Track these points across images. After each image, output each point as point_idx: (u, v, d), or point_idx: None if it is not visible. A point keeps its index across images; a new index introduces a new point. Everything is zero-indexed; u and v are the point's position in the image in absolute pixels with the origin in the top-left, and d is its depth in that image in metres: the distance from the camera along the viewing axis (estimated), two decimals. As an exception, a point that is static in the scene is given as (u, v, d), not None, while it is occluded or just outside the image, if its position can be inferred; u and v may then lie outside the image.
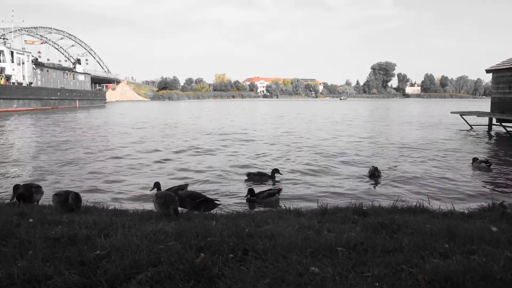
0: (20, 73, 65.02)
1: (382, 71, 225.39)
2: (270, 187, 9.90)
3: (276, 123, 36.24)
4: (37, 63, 72.77)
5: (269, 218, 5.53)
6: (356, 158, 15.06)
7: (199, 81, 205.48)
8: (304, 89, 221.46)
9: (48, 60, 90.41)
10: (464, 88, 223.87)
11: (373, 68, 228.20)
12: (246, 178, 11.36)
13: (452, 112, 29.92)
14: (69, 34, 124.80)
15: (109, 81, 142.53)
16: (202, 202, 6.59)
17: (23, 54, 67.24)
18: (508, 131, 22.47)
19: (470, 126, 26.98)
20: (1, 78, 58.04)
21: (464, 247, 3.50)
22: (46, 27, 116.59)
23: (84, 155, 16.06)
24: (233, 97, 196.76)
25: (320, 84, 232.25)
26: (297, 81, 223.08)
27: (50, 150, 17.81)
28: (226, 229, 3.75)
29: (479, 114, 26.89)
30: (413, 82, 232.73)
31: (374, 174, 11.32)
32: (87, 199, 8.20)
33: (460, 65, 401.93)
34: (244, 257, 3.05)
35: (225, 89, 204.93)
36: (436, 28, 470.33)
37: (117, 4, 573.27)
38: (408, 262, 3.01)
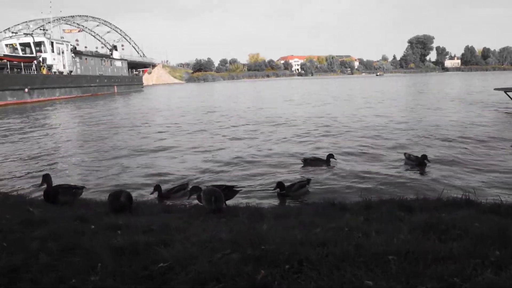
0: (61, 62, 66.90)
1: (420, 45, 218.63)
2: (300, 178, 9.82)
3: (316, 104, 36.05)
4: (75, 52, 74.64)
5: (315, 215, 5.65)
6: (396, 141, 14.89)
7: (233, 61, 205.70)
8: (339, 66, 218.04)
9: (85, 47, 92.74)
10: (508, 59, 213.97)
11: (410, 41, 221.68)
12: (302, 164, 11.49)
13: (495, 89, 28.57)
14: (104, 21, 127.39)
15: (144, 65, 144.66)
16: (223, 191, 6.71)
17: (62, 44, 69.05)
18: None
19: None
20: (43, 68, 59.91)
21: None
22: (83, 15, 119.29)
23: (128, 143, 16.50)
24: (268, 76, 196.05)
25: (355, 60, 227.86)
26: (332, 58, 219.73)
27: (98, 140, 18.41)
28: (278, 236, 3.88)
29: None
30: (453, 55, 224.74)
31: (423, 162, 10.78)
32: (136, 194, 8.55)
33: (504, 35, 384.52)
34: (300, 268, 3.18)
35: (259, 68, 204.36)
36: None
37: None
38: (461, 274, 3.05)
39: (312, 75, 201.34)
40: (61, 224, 4.70)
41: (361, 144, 14.78)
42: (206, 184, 9.07)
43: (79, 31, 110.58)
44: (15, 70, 53.20)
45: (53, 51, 65.23)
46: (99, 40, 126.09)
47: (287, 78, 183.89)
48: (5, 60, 52.68)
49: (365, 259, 3.36)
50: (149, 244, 3.80)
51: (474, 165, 11.11)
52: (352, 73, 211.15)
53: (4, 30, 70.78)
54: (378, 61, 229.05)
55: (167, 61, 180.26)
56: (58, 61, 66.23)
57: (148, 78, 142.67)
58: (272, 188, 8.84)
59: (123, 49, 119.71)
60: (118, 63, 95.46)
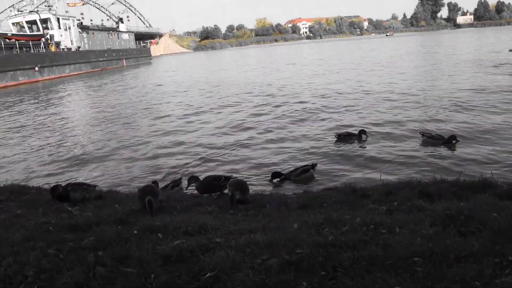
0: (68, 38, 66.81)
1: (431, 1, 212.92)
2: (305, 162, 9.90)
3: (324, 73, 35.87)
4: (82, 27, 74.31)
5: (338, 204, 5.95)
6: (411, 116, 14.97)
7: (240, 27, 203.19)
8: (348, 27, 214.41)
9: (91, 21, 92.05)
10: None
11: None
12: (336, 139, 11.83)
13: (510, 50, 27.91)
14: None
15: (151, 36, 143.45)
16: (223, 181, 7.03)
17: (69, 19, 68.75)
18: None
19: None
20: (52, 45, 59.95)
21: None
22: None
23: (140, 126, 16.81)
24: (276, 41, 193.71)
25: (364, 20, 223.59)
26: (341, 19, 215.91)
27: (119, 129, 18.68)
28: (310, 237, 4.20)
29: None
30: (465, 11, 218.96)
31: (451, 141, 10.43)
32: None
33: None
34: (335, 274, 3.49)
35: (267, 33, 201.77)
36: None
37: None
38: (481, 276, 3.32)
39: (321, 38, 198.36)
40: (104, 228, 5.01)
41: (376, 119, 14.93)
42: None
43: (83, 4, 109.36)
44: (24, 49, 53.37)
45: (59, 27, 65.09)
46: (104, 13, 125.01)
47: (295, 42, 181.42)
48: (13, 40, 52.83)
49: (392, 261, 3.65)
50: (193, 251, 4.11)
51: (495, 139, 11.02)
52: (361, 34, 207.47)
53: (8, 8, 70.24)
54: (387, 20, 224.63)
55: (173, 30, 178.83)
56: (66, 37, 66.12)
57: (155, 49, 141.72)
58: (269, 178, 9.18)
59: (128, 20, 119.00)
60: (125, 36, 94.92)
